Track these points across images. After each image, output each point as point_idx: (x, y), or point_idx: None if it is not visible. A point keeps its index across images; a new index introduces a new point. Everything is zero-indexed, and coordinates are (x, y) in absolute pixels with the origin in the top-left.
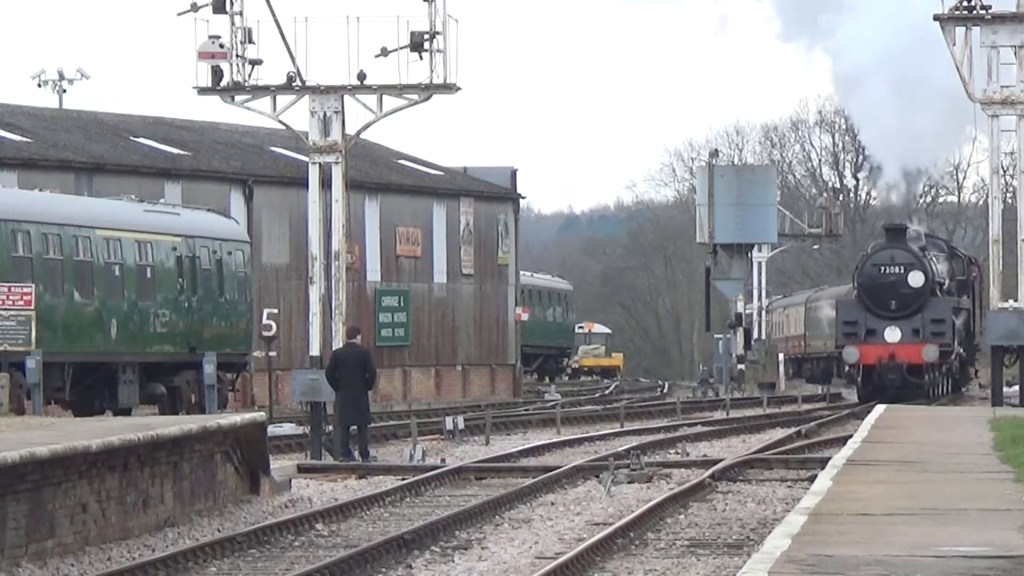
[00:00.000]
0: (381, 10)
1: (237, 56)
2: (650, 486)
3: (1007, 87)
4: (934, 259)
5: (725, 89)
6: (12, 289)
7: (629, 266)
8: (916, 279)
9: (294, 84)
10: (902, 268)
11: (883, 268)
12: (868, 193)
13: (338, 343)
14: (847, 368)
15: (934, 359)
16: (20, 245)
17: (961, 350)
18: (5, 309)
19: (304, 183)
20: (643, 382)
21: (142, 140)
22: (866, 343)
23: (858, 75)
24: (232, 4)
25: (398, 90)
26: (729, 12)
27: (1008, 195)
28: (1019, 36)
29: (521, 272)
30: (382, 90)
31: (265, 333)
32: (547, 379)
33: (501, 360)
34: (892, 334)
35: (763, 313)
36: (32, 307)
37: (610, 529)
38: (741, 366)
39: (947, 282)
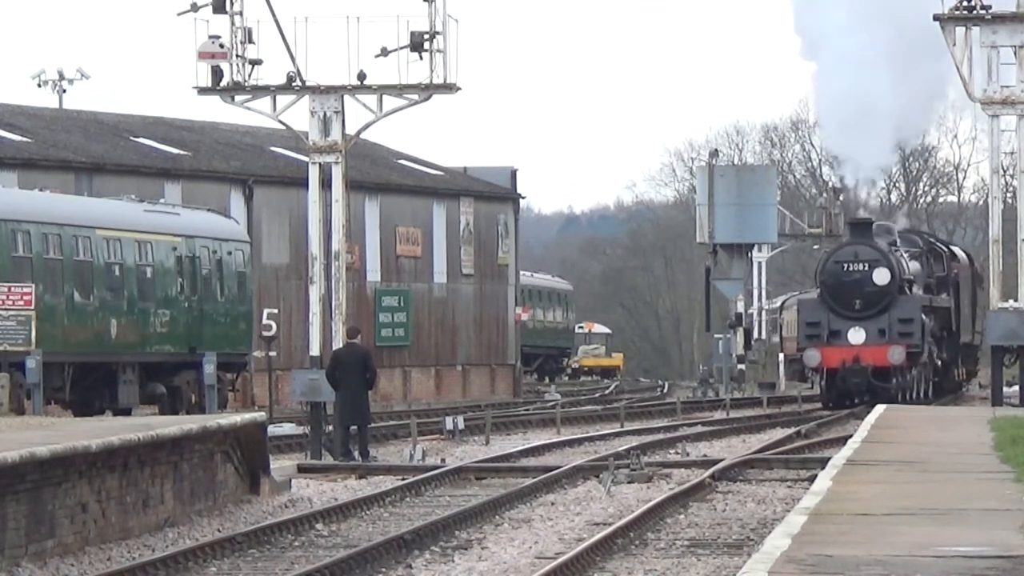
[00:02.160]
0: (381, 10)
1: (237, 56)
2: (650, 486)
3: (1007, 87)
4: (904, 255)
5: (725, 89)
6: (12, 289)
7: (629, 266)
8: (881, 276)
9: (294, 84)
10: (866, 265)
11: (846, 265)
12: (867, 193)
13: (338, 343)
14: (810, 372)
15: (900, 361)
16: (20, 245)
17: (939, 351)
18: (5, 309)
19: (304, 183)
20: (643, 382)
21: (142, 140)
22: (829, 345)
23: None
24: (232, 4)
25: (398, 90)
26: (731, 11)
27: (1008, 195)
28: (1019, 36)
29: (521, 272)
30: (382, 90)
31: (265, 333)
32: (547, 379)
33: (501, 360)
34: (856, 335)
35: (765, 312)
36: (32, 307)
37: (610, 529)
38: (741, 366)
39: (919, 279)
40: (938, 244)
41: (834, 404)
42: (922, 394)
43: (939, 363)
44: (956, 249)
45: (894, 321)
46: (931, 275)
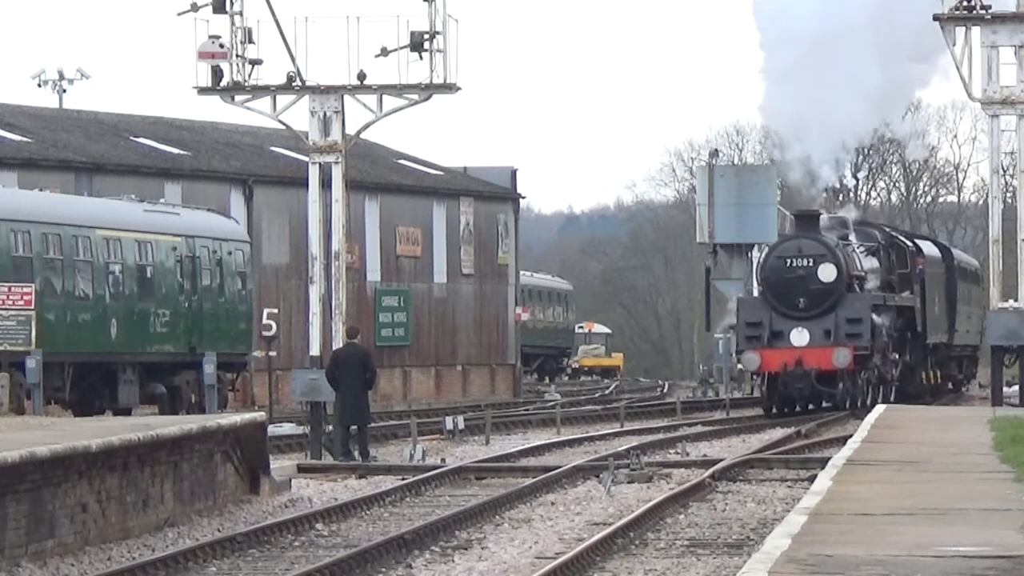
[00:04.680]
0: (381, 10)
1: (237, 56)
2: (650, 486)
3: (1007, 87)
4: (857, 250)
5: (725, 89)
6: (12, 289)
7: (629, 266)
8: (827, 273)
9: (294, 84)
10: (811, 261)
11: (789, 261)
12: (868, 193)
13: (338, 343)
14: (751, 377)
15: (847, 364)
16: (20, 245)
17: (900, 353)
18: (5, 309)
19: (304, 183)
20: (643, 382)
21: (142, 140)
22: (770, 347)
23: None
24: (232, 4)
25: (398, 90)
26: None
27: (1008, 195)
28: (1019, 36)
29: (521, 272)
30: (382, 90)
31: (265, 333)
32: (547, 379)
33: (501, 360)
34: (799, 337)
35: None
36: (32, 307)
37: (610, 529)
38: (741, 366)
39: (875, 276)
40: (900, 238)
41: (777, 410)
42: (879, 400)
43: (898, 366)
44: (924, 243)
45: (841, 321)
46: (891, 271)
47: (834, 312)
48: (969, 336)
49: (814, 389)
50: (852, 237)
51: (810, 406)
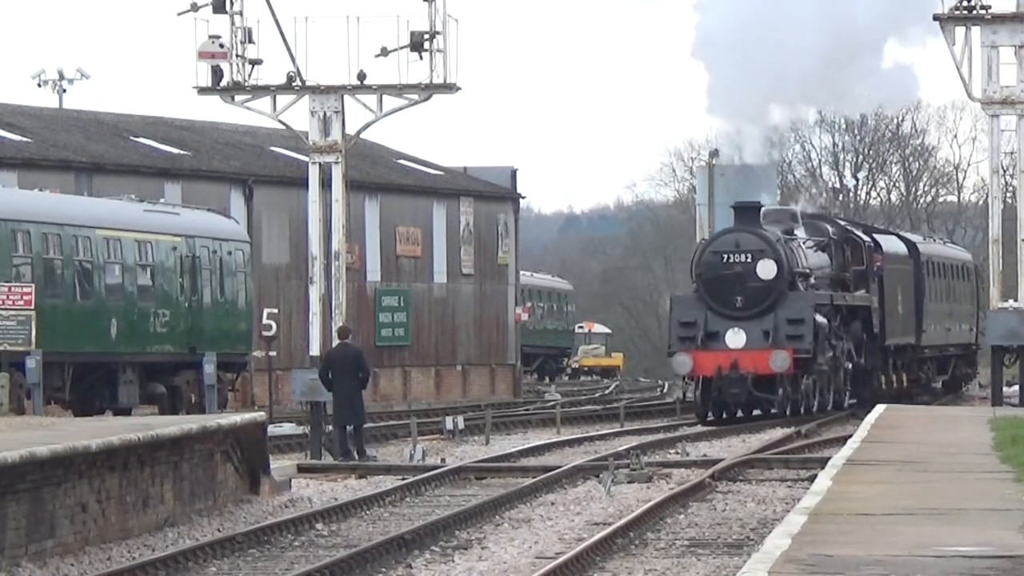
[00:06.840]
0: (381, 10)
1: (237, 56)
2: (650, 486)
3: (1007, 87)
4: (804, 245)
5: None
6: (12, 289)
7: (629, 266)
8: (766, 270)
9: (294, 84)
10: (749, 256)
11: (726, 256)
12: (867, 193)
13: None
14: (683, 380)
15: (785, 368)
16: (20, 245)
17: (854, 356)
18: (5, 309)
19: (304, 183)
20: (643, 382)
21: (142, 140)
22: (704, 349)
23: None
24: (232, 4)
25: (398, 90)
26: None
27: (1008, 195)
28: (1019, 36)
29: (521, 272)
30: (382, 90)
31: (265, 333)
32: (547, 379)
33: (501, 360)
34: (735, 338)
35: None
36: (32, 307)
37: (610, 529)
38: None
39: (824, 273)
40: (855, 233)
41: (713, 417)
42: (827, 406)
43: (850, 370)
44: (886, 238)
45: (781, 322)
46: (845, 268)
47: (773, 312)
48: (952, 335)
49: (751, 395)
50: (800, 231)
51: (755, 412)
